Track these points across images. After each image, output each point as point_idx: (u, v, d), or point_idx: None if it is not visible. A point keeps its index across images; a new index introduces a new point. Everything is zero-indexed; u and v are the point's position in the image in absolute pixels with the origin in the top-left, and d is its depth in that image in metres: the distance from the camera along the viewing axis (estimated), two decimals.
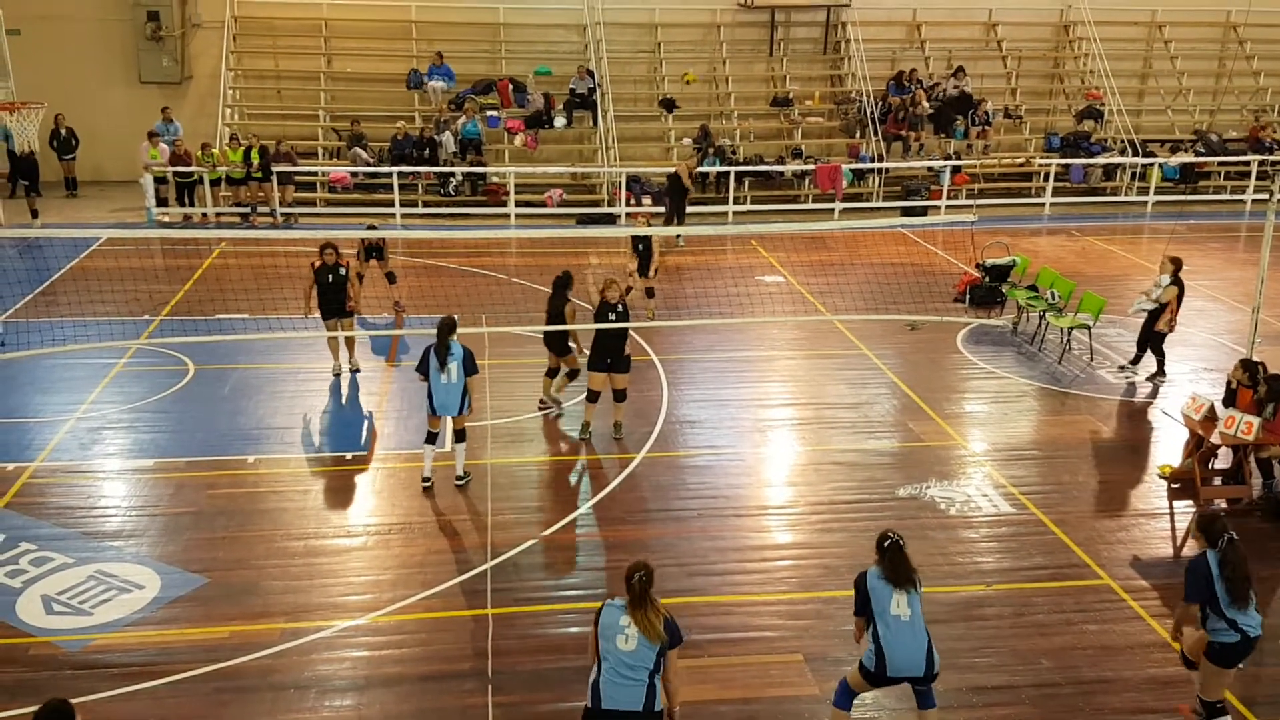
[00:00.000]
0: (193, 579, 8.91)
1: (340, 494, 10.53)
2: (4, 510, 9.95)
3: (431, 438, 10.58)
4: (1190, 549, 9.77)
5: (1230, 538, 6.89)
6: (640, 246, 15.62)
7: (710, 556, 9.40)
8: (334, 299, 13.07)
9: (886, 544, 6.75)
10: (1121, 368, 14.15)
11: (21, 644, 8.01)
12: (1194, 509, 10.45)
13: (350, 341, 13.61)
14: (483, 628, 8.29)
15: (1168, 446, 11.82)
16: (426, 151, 23.21)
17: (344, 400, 13.01)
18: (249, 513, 10.08)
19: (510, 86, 24.99)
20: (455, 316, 10.57)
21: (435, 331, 10.37)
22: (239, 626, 8.25)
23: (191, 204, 22.28)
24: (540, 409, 12.47)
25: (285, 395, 13.04)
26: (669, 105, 25.43)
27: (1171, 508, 10.54)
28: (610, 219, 23.06)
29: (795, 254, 19.19)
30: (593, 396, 11.72)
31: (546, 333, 12.20)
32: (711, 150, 23.92)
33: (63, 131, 23.25)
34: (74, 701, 5.49)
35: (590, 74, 25.02)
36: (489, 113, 24.53)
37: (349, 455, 11.39)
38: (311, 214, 22.63)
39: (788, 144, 25.34)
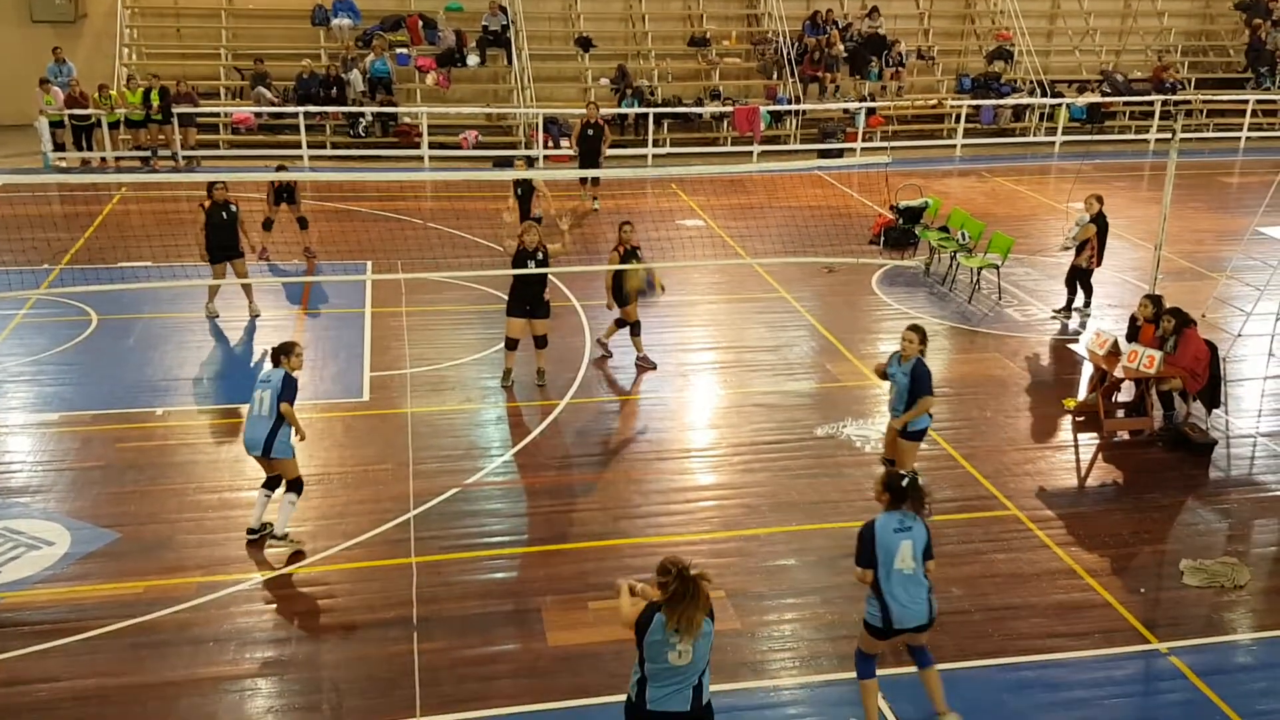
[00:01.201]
0: (104, 534, 8.69)
1: None
2: None
3: (267, 483, 8.69)
4: (1094, 479, 10.16)
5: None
6: (519, 191, 15.51)
7: (634, 500, 9.48)
8: (226, 238, 12.94)
9: (905, 480, 6.38)
10: (1054, 315, 14.30)
11: None
12: (1098, 440, 10.84)
13: (247, 287, 13.39)
14: (406, 576, 8.26)
15: (1072, 382, 12.21)
16: (334, 91, 22.58)
17: (254, 349, 12.71)
18: (160, 466, 9.84)
19: (420, 23, 24.37)
20: (294, 342, 8.65)
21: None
22: (153, 581, 8.10)
23: (90, 148, 21.38)
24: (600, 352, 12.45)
25: (193, 345, 12.70)
26: (585, 44, 25.08)
27: (1076, 440, 10.92)
28: (528, 162, 22.76)
29: (715, 197, 19.21)
30: (511, 344, 11.58)
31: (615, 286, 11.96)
32: (629, 91, 23.71)
33: None
34: None
35: (504, 10, 24.51)
36: (398, 50, 23.91)
37: None
38: (215, 156, 21.91)
39: (706, 85, 25.21)
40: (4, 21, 23.66)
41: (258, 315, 13.41)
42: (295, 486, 8.62)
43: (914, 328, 8.95)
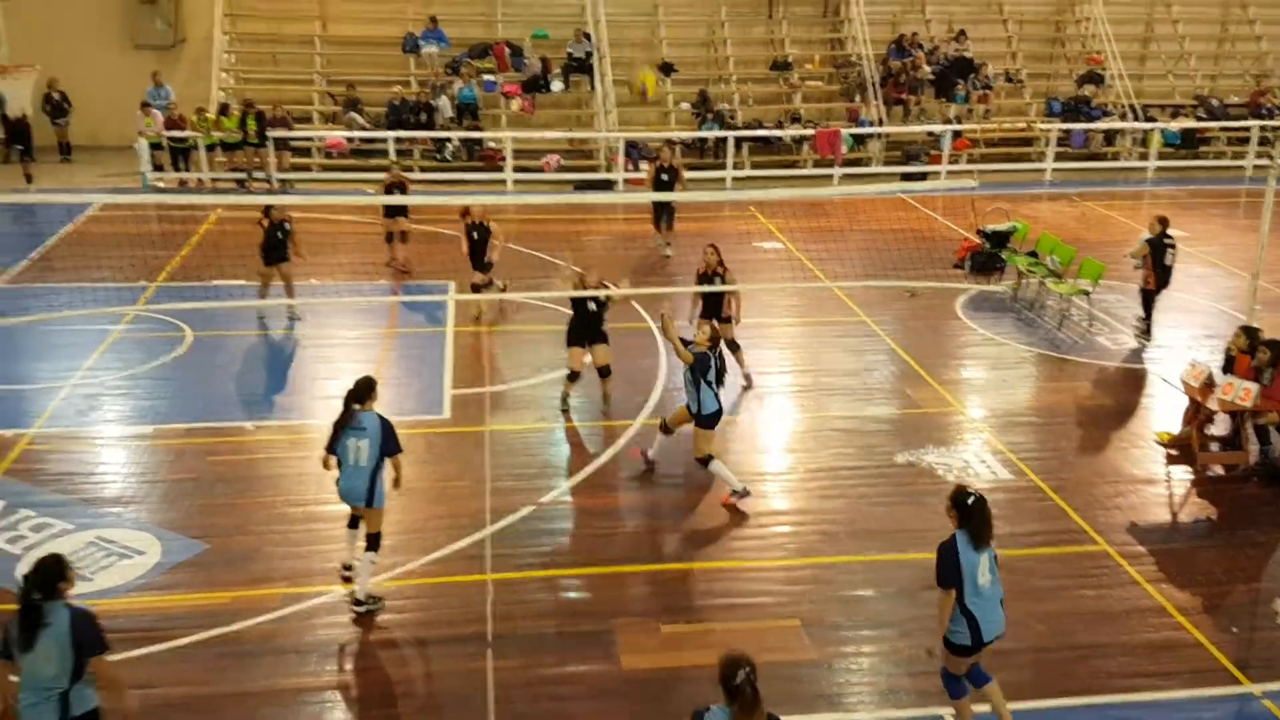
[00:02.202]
0: (193, 545, 8.93)
1: None
2: (3, 477, 9.95)
3: (353, 520, 8.33)
4: (1187, 514, 9.82)
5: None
6: (665, 177, 15.99)
7: (708, 523, 9.43)
8: (279, 251, 14.08)
9: (971, 500, 6.27)
10: (1135, 332, 14.15)
11: None
12: (1192, 475, 10.48)
13: (289, 285, 14.21)
14: (482, 593, 8.33)
15: (1166, 413, 11.84)
16: (423, 116, 23.05)
17: (342, 366, 12.99)
18: (249, 479, 10.09)
19: (507, 50, 24.76)
20: (372, 378, 8.18)
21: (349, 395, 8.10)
22: (240, 592, 8.29)
23: (187, 170, 22.12)
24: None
25: (282, 362, 13.05)
26: (667, 69, 25.23)
27: (1169, 474, 10.57)
28: (608, 185, 22.92)
29: (794, 220, 19.10)
30: (573, 376, 11.59)
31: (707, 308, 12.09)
32: (710, 115, 23.77)
33: (55, 96, 23.00)
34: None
35: (588, 37, 24.79)
36: (485, 77, 24.32)
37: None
38: (307, 179, 22.49)
39: (787, 109, 25.14)
40: (107, 47, 24.55)
41: (295, 319, 14.12)
42: (375, 543, 8.11)
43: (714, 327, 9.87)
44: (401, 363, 12.95)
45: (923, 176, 23.25)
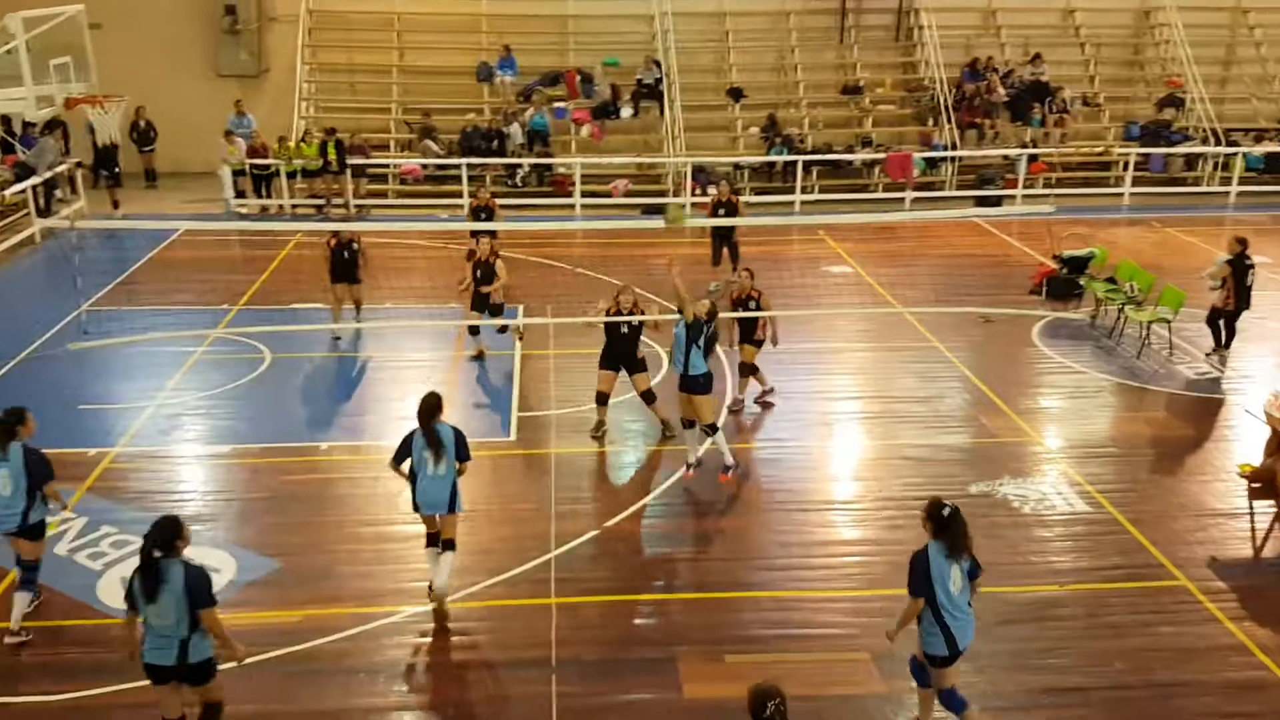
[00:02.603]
0: (266, 563, 9.10)
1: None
2: (86, 494, 10.26)
3: (432, 539, 8.52)
4: (1271, 550, 9.48)
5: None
6: (722, 211, 15.67)
7: (774, 551, 9.35)
8: (346, 271, 14.50)
9: (946, 512, 6.52)
10: (1207, 355, 13.83)
11: (103, 625, 8.24)
12: (1275, 508, 10.11)
13: (358, 303, 14.67)
14: (546, 617, 8.34)
15: (1248, 444, 11.45)
16: (495, 143, 23.38)
17: (412, 388, 13.16)
18: (321, 499, 10.26)
19: (578, 78, 25.03)
20: (439, 396, 8.33)
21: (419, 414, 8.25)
22: (311, 610, 8.41)
23: (268, 195, 22.70)
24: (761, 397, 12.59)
25: (358, 384, 13.26)
26: (736, 94, 25.28)
27: (1251, 508, 10.21)
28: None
29: (864, 244, 18.93)
30: (601, 398, 11.51)
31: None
32: (779, 139, 23.73)
33: (142, 124, 23.82)
34: None
35: (657, 64, 24.97)
36: (556, 104, 24.60)
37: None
38: (383, 205, 22.92)
39: (858, 132, 25.01)
40: (192, 77, 25.32)
41: (337, 338, 14.44)
42: (453, 544, 8.44)
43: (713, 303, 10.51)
44: (469, 385, 13.09)
45: (998, 201, 22.92)
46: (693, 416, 10.58)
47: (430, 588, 8.53)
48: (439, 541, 8.44)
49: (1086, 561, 9.22)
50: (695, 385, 10.33)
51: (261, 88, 25.61)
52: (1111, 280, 15.73)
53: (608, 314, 11.49)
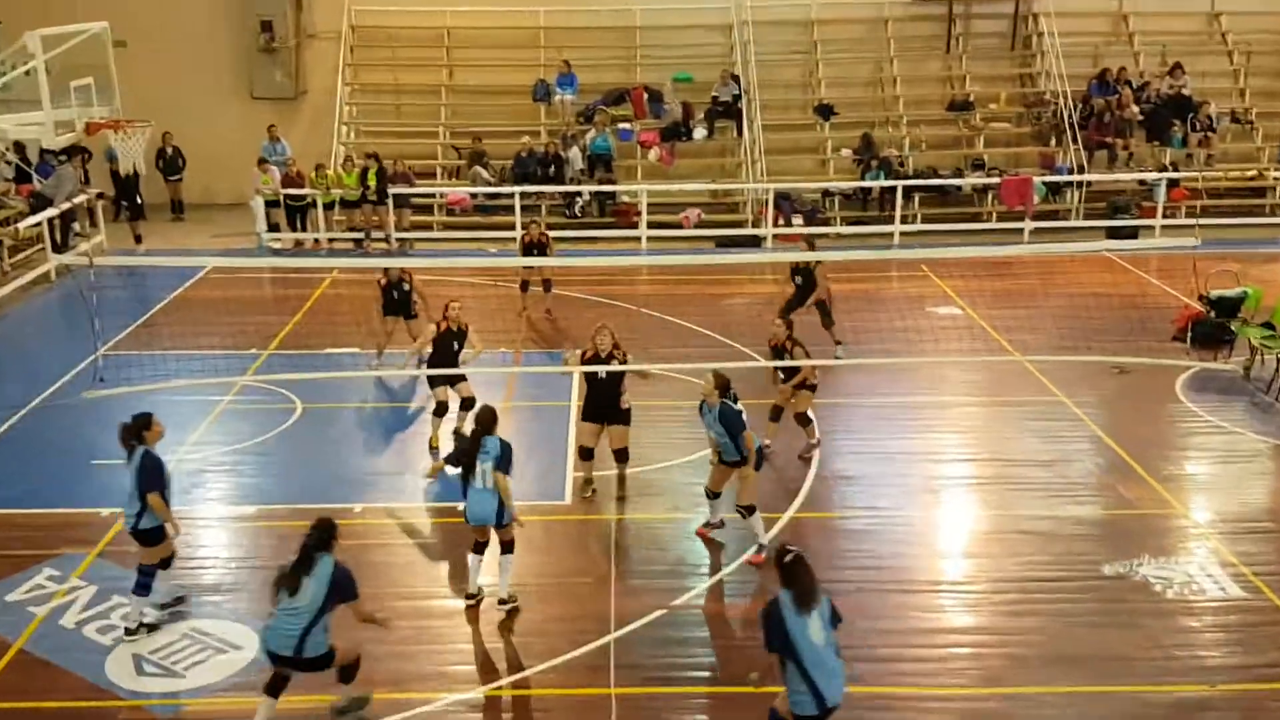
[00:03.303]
0: None
1: (452, 550, 10.68)
2: (97, 560, 10.46)
3: (478, 548, 9.73)
4: None
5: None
6: (799, 279, 15.50)
7: (870, 639, 9.17)
8: (398, 308, 15.00)
9: (788, 559, 6.98)
10: None
11: (110, 707, 8.36)
12: None
13: (421, 340, 14.64)
14: (604, 710, 8.26)
15: None
16: (552, 169, 23.66)
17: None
18: (354, 567, 10.24)
19: (645, 96, 25.27)
20: (495, 409, 9.71)
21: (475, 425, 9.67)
22: (338, 696, 8.42)
23: (303, 229, 23.20)
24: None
25: (398, 439, 13.40)
26: (826, 112, 25.31)
27: None
28: (755, 242, 22.99)
29: (975, 281, 18.69)
30: (584, 453, 11.59)
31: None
32: (875, 162, 23.69)
33: (169, 150, 24.52)
34: None
35: (735, 79, 25.12)
36: (621, 125, 24.87)
37: (462, 506, 11.57)
38: (428, 239, 23.29)
39: (967, 154, 24.86)
40: (225, 98, 25.97)
41: (422, 361, 14.34)
42: (511, 547, 9.56)
43: (715, 373, 10.27)
44: (519, 439, 12.99)
45: (1133, 232, 22.53)
46: (718, 489, 10.65)
47: (466, 597, 9.57)
48: (483, 549, 9.61)
49: (1240, 657, 8.91)
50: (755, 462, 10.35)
51: (298, 111, 26.26)
52: (1268, 325, 15.27)
53: (583, 359, 11.59)
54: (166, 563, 9.49)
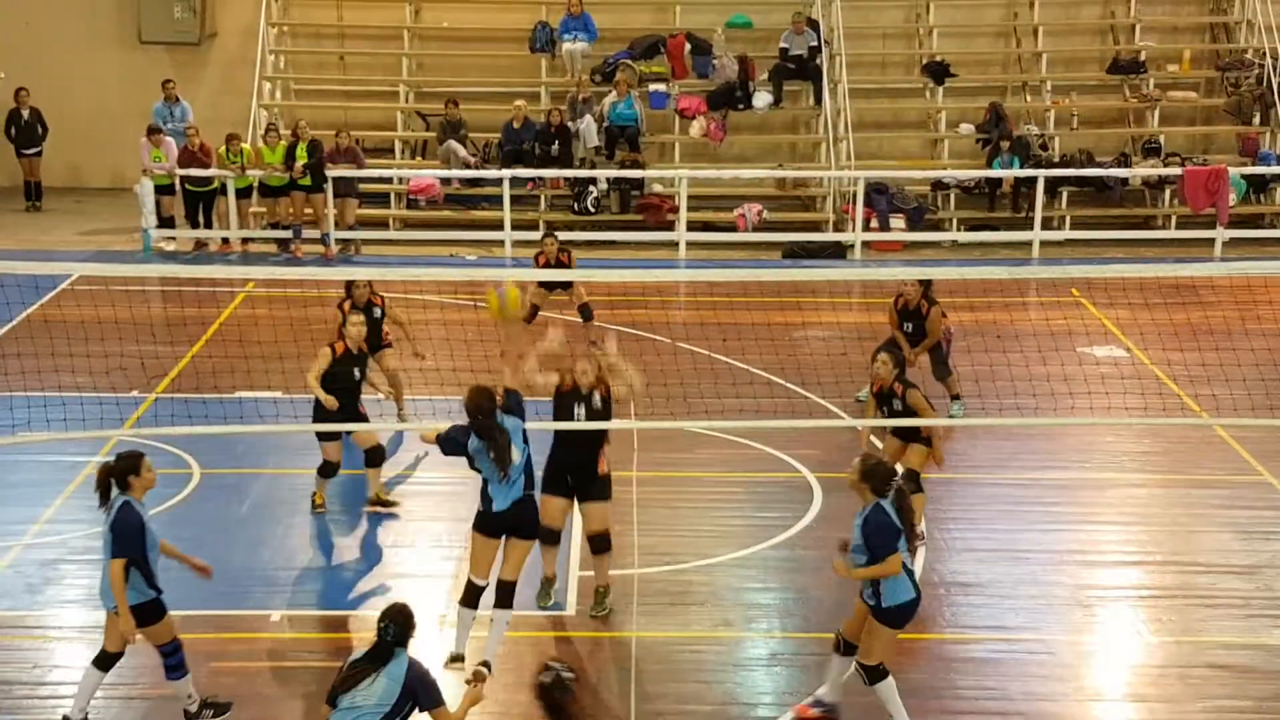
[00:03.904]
0: None
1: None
2: None
3: (472, 595, 10.58)
4: None
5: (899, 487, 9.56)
6: (909, 325, 15.52)
7: None
8: (371, 341, 14.46)
9: (547, 680, 7.85)
10: None
11: None
12: None
13: (396, 385, 15.22)
14: None
15: None
16: (555, 146, 23.81)
17: (417, 528, 13.28)
18: (271, 701, 10.33)
19: (687, 47, 25.44)
20: (487, 388, 10.50)
21: (469, 409, 10.25)
22: None
23: (208, 225, 23.38)
24: None
25: (331, 518, 13.40)
26: (939, 73, 25.41)
27: None
28: (838, 251, 23.04)
29: (1146, 311, 18.63)
30: (548, 536, 11.20)
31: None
32: (1007, 143, 23.76)
33: (23, 115, 24.83)
34: None
35: (813, 26, 25.26)
36: (653, 86, 25.02)
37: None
38: (380, 240, 23.41)
39: (1135, 133, 24.93)
40: (102, 42, 26.27)
41: (403, 419, 15.13)
42: (511, 598, 10.52)
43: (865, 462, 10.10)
44: None
45: None
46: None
47: (453, 657, 10.49)
48: (478, 599, 10.47)
49: None
50: (892, 618, 9.75)
51: (204, 61, 26.55)
52: None
53: (558, 393, 11.35)
54: (107, 661, 9.86)
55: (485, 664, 10.22)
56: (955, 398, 15.52)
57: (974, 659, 11.08)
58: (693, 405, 15.04)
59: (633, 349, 17.69)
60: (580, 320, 17.73)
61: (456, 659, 10.50)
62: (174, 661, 9.74)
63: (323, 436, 13.00)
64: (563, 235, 20.59)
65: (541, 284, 17.69)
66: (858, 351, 16.48)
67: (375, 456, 13.02)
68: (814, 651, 11.01)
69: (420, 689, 8.11)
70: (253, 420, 14.84)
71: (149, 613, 9.70)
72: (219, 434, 14.56)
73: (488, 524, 10.42)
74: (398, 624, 8.10)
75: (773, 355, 16.98)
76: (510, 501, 10.33)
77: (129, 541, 9.60)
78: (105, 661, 9.85)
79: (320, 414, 12.82)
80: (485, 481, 10.35)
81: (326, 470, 13.20)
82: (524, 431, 10.40)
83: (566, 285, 17.73)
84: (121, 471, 9.74)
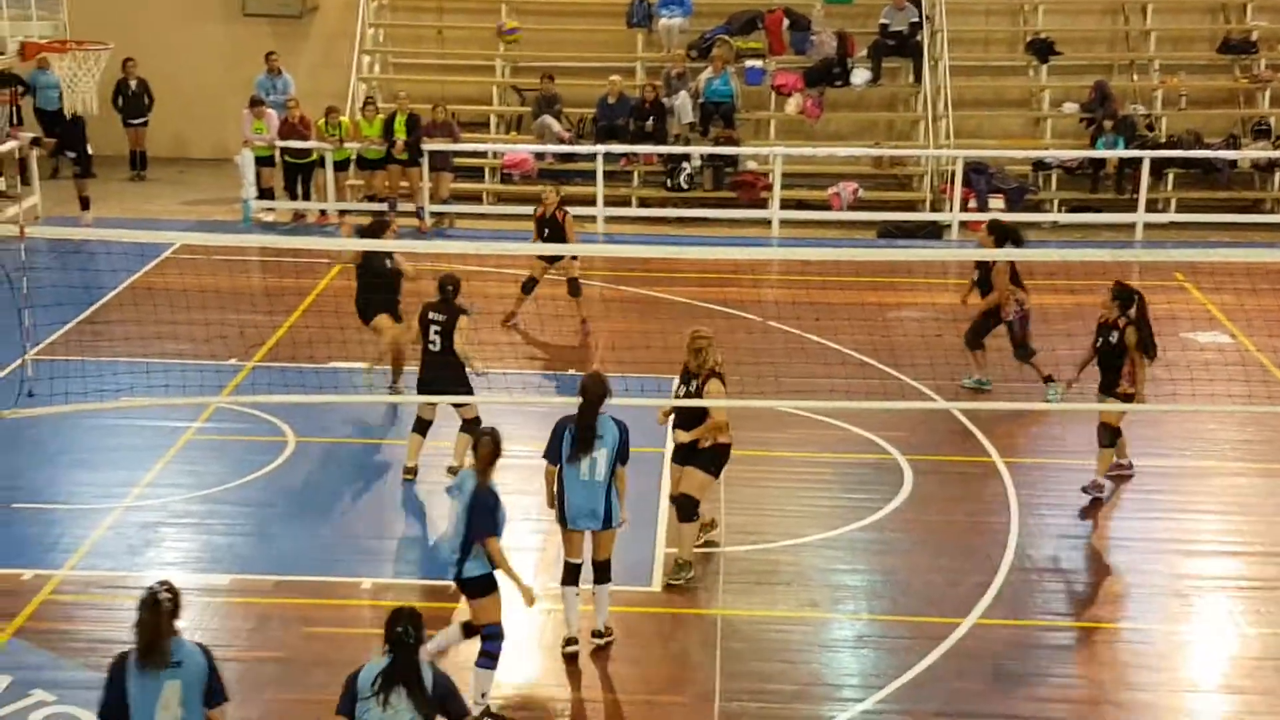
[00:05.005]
0: None
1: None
2: (13, 639, 10.74)
3: (572, 573, 10.63)
4: None
5: None
6: (978, 272, 15.48)
7: None
8: (377, 301, 15.03)
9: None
10: None
11: None
12: None
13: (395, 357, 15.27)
14: None
15: None
16: (650, 122, 23.82)
17: (508, 500, 13.36)
18: (361, 665, 10.47)
19: (784, 22, 25.35)
20: (605, 376, 10.71)
21: (581, 398, 10.50)
22: None
23: (307, 196, 23.67)
24: None
25: (423, 489, 13.56)
26: (1043, 50, 25.13)
27: None
28: (935, 231, 22.88)
29: (1254, 297, 18.36)
30: (569, 573, 10.66)
31: None
32: (1112, 123, 23.46)
33: (131, 85, 25.19)
34: None
35: (915, 2, 25.05)
36: (749, 63, 24.96)
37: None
38: (474, 215, 23.56)
39: (1246, 114, 24.57)
40: (207, 15, 26.60)
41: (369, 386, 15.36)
42: (608, 573, 10.62)
43: None
44: None
45: None
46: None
47: (568, 640, 10.49)
48: (576, 577, 10.48)
49: None
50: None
51: (305, 35, 26.83)
52: None
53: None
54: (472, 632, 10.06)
55: (604, 630, 10.62)
56: (1048, 380, 15.38)
57: (1065, 646, 11.05)
58: (783, 384, 15.04)
59: (722, 326, 17.77)
60: (569, 294, 17.68)
61: (572, 641, 10.54)
62: (489, 647, 9.76)
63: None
64: (652, 212, 20.66)
65: (540, 256, 17.44)
66: (953, 333, 16.42)
67: (473, 424, 13.11)
68: (901, 635, 11.02)
69: (450, 699, 7.79)
70: (346, 391, 15.06)
71: (486, 585, 9.79)
72: (312, 402, 14.74)
73: (562, 518, 10.62)
74: (415, 624, 7.70)
75: (865, 336, 16.93)
76: (587, 500, 10.44)
77: (491, 519, 9.73)
78: (472, 632, 10.05)
79: (440, 381, 13.05)
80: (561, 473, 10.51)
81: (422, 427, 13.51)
82: (619, 444, 10.42)
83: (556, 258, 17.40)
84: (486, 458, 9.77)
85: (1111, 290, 13.25)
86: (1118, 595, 11.85)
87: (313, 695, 10.05)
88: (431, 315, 13.04)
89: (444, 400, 13.27)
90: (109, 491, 13.22)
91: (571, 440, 10.34)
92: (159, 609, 7.64)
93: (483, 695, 9.66)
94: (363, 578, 11.84)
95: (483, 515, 9.61)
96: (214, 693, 7.66)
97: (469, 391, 13.18)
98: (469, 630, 10.08)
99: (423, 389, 13.34)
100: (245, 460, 13.96)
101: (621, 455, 10.40)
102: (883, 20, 25.03)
